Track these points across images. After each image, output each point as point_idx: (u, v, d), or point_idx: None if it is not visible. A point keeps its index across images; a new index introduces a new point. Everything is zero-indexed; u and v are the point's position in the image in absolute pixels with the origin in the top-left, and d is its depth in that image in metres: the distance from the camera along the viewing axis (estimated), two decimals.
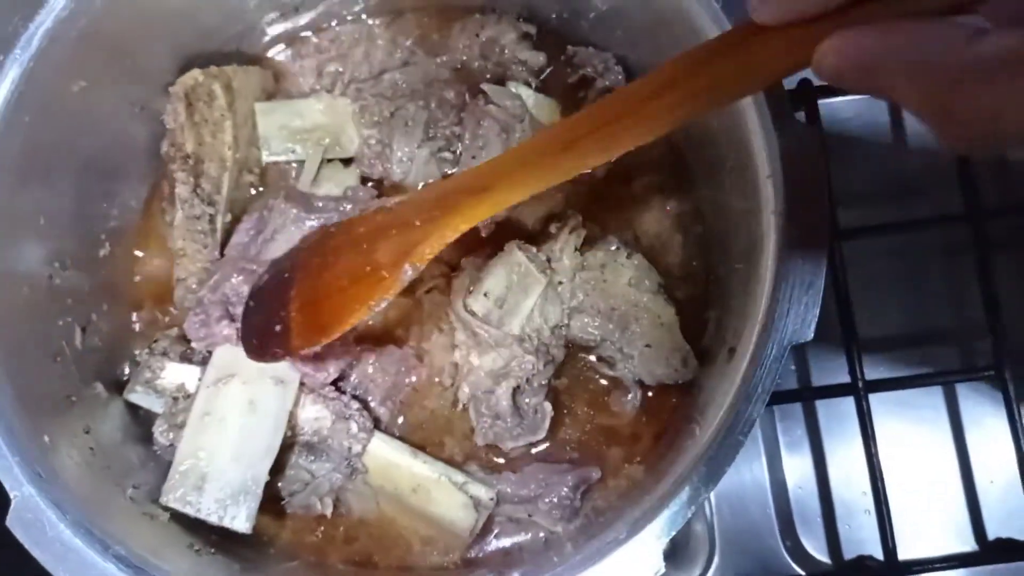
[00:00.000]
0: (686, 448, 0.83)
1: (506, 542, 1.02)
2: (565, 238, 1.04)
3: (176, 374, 1.01)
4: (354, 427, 0.98)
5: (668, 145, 1.10)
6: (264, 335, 0.92)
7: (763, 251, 0.83)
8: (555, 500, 0.99)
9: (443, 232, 0.80)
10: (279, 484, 0.99)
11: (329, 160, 1.12)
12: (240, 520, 0.93)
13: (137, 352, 1.06)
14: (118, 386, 1.03)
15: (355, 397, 1.02)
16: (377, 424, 1.02)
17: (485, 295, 1.00)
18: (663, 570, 0.77)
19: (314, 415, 0.99)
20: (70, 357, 0.96)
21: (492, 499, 0.99)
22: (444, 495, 0.99)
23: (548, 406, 1.01)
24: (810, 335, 0.79)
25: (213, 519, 0.92)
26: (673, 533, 0.77)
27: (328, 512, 1.00)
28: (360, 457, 0.99)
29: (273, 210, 1.04)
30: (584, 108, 0.73)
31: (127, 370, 1.06)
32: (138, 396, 1.02)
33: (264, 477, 0.94)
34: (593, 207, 1.08)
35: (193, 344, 1.00)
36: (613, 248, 1.05)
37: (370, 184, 1.10)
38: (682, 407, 0.99)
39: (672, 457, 0.85)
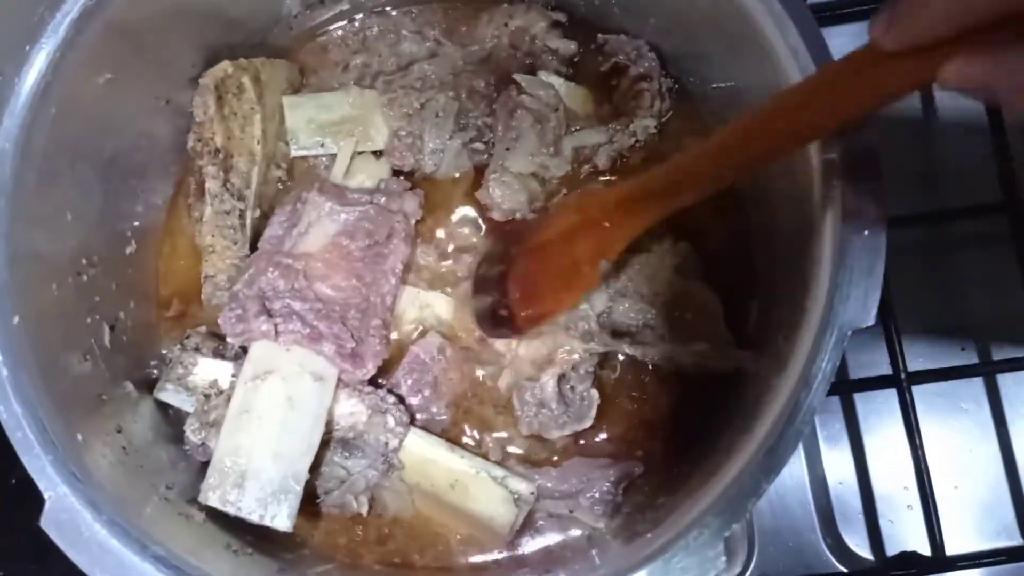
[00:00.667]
0: (741, 440, 0.80)
1: (548, 540, 1.00)
2: None
3: (209, 370, 0.99)
4: (391, 421, 0.97)
5: (704, 132, 1.08)
6: (494, 321, 1.01)
7: (816, 235, 0.81)
8: (596, 495, 0.97)
9: (628, 232, 0.91)
10: (315, 482, 0.97)
11: (360, 152, 1.09)
12: (281, 518, 0.91)
13: (166, 350, 1.04)
14: (148, 385, 1.01)
15: (391, 391, 1.00)
16: (413, 419, 1.00)
17: None
18: (725, 565, 0.75)
19: (349, 410, 0.97)
20: (99, 355, 0.94)
21: (533, 493, 0.97)
22: (483, 490, 0.97)
23: (595, 393, 1.00)
24: (871, 320, 0.76)
25: (254, 518, 0.90)
26: (735, 526, 0.75)
27: (364, 510, 0.98)
28: (396, 453, 0.97)
29: (307, 203, 1.02)
30: (739, 120, 0.79)
31: (156, 370, 1.04)
32: (168, 394, 1.00)
33: (304, 475, 0.92)
34: None
35: (229, 339, 0.98)
36: (658, 234, 1.03)
37: (401, 176, 1.09)
38: (727, 398, 0.96)
39: (724, 449, 0.83)
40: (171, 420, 1.02)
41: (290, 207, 1.04)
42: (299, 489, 0.92)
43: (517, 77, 1.06)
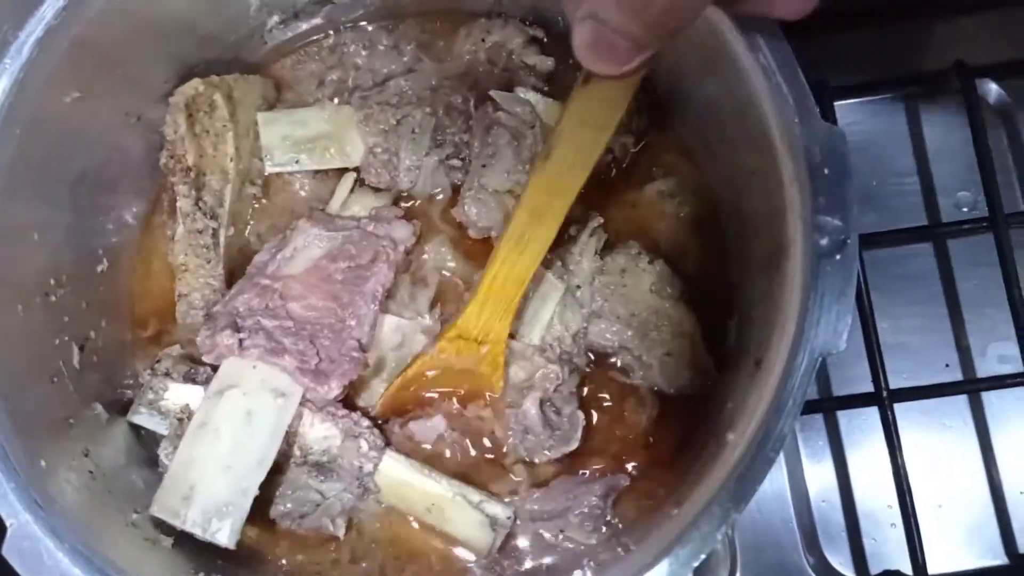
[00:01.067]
0: (712, 465, 0.79)
1: (539, 562, 0.98)
2: (585, 241, 1.01)
3: (180, 395, 0.98)
4: (364, 446, 0.95)
5: (681, 150, 1.07)
6: None
7: (789, 257, 0.80)
8: (585, 511, 0.96)
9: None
10: (288, 506, 0.95)
11: (338, 170, 1.09)
12: (223, 534, 0.89)
13: (139, 373, 1.03)
14: (120, 406, 1.00)
15: (366, 415, 0.99)
16: (389, 442, 0.98)
17: None
18: None
19: (323, 434, 0.96)
20: (68, 377, 0.93)
21: (510, 518, 0.96)
22: (459, 514, 0.96)
23: (580, 415, 0.98)
24: (842, 345, 0.75)
25: (197, 531, 0.89)
26: (702, 557, 0.74)
27: (340, 533, 0.97)
28: (371, 476, 0.96)
29: (297, 230, 1.02)
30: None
31: (130, 390, 1.03)
32: (142, 417, 0.99)
33: (254, 491, 0.90)
34: (611, 212, 1.06)
35: (204, 358, 0.97)
36: (634, 252, 1.02)
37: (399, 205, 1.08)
38: (703, 419, 0.95)
39: (697, 472, 0.82)
40: (143, 442, 1.00)
41: (281, 235, 1.03)
42: (245, 505, 0.90)
43: (493, 94, 1.05)
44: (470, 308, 0.95)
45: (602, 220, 1.03)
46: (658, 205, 1.07)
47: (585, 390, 1.02)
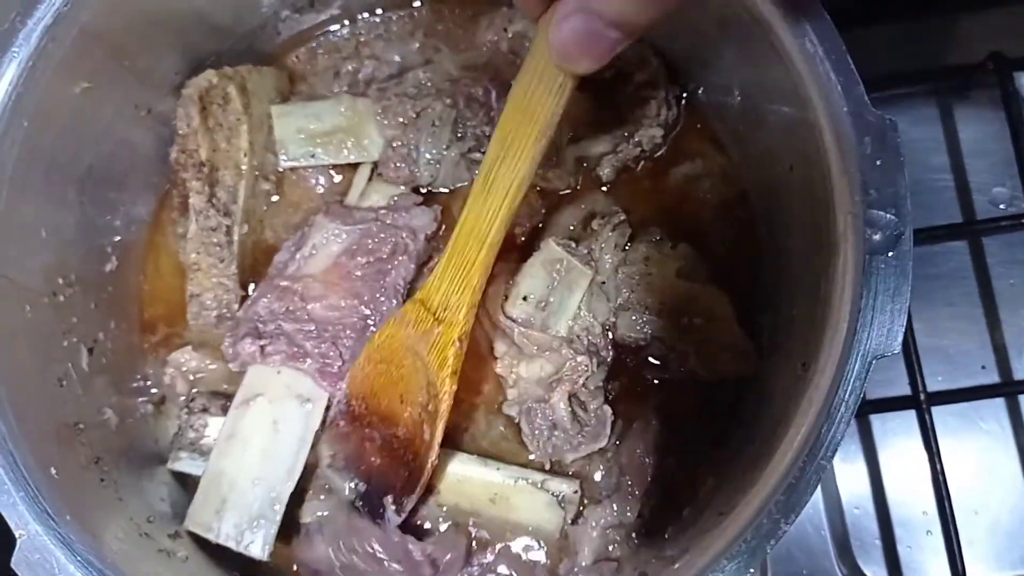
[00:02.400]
0: (759, 472, 0.75)
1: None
2: (607, 235, 0.98)
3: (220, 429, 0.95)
4: None
5: (711, 140, 1.04)
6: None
7: (837, 255, 0.76)
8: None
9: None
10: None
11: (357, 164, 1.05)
12: (256, 546, 0.89)
13: (149, 376, 1.01)
14: (129, 410, 0.97)
15: None
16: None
17: (524, 299, 0.94)
18: None
19: None
20: (76, 380, 0.89)
21: (576, 492, 0.94)
22: (525, 499, 0.94)
23: (608, 409, 0.95)
24: (897, 347, 0.72)
25: (231, 544, 0.88)
26: (752, 572, 0.70)
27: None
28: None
29: (313, 226, 0.99)
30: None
31: (141, 397, 0.99)
32: (183, 463, 0.96)
33: (284, 501, 0.89)
34: (636, 202, 1.03)
35: (229, 365, 0.96)
36: (656, 239, 0.98)
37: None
38: (747, 418, 0.92)
39: (742, 477, 0.77)
40: (155, 449, 0.97)
41: (300, 233, 1.00)
42: (277, 517, 0.89)
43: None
44: (436, 270, 0.88)
45: (624, 216, 1.00)
46: (683, 188, 1.04)
47: (619, 388, 0.98)
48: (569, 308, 0.96)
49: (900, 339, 0.72)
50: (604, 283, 0.97)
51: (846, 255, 0.75)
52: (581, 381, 0.93)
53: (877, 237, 0.73)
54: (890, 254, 0.73)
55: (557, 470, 0.96)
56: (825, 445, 0.71)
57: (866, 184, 0.74)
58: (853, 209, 0.74)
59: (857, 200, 0.74)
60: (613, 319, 0.97)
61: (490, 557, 0.94)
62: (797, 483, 0.71)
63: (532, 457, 0.96)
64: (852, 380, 0.72)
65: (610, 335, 0.97)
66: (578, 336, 0.95)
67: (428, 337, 0.88)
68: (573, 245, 0.97)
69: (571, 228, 1.01)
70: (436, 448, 0.89)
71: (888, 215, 0.73)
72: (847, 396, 0.71)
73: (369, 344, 0.93)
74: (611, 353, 0.97)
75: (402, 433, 0.91)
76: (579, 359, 0.93)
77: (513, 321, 0.94)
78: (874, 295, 0.72)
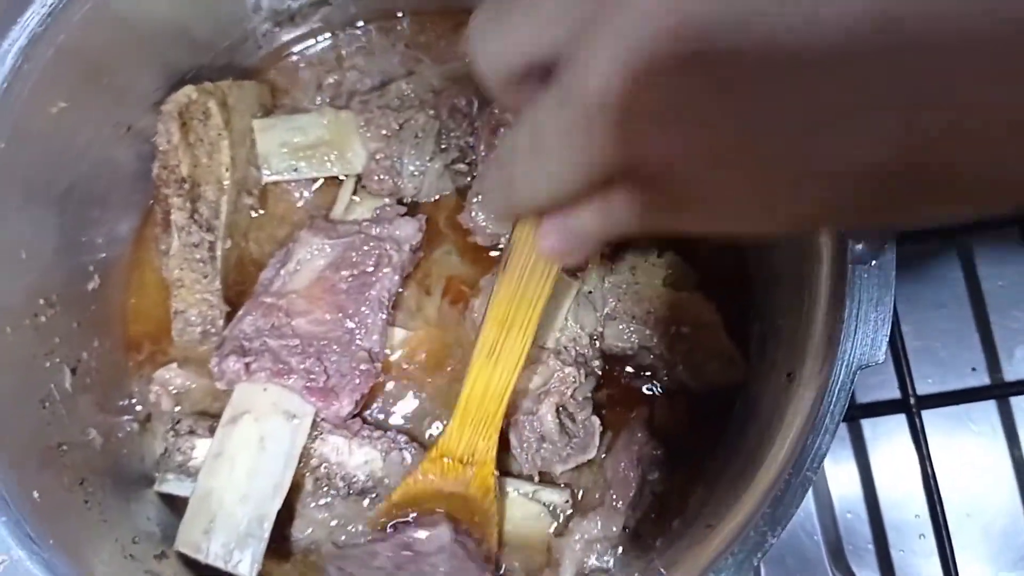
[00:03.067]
0: (746, 484, 0.75)
1: None
2: None
3: (208, 449, 0.95)
4: (407, 457, 0.93)
5: None
6: None
7: (819, 264, 0.76)
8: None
9: None
10: (341, 538, 0.94)
11: (355, 182, 1.05)
12: (244, 565, 0.88)
13: (135, 395, 1.00)
14: (113, 430, 0.96)
15: (402, 432, 0.97)
16: None
17: None
18: None
19: (363, 459, 0.94)
20: (59, 401, 0.88)
21: (567, 501, 0.94)
22: (516, 510, 0.94)
23: (596, 420, 0.94)
24: (881, 357, 0.72)
25: (219, 564, 0.88)
26: None
27: None
28: None
29: (298, 242, 0.99)
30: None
31: (125, 415, 0.98)
32: (170, 485, 0.95)
33: (272, 518, 0.89)
34: None
35: (216, 384, 0.95)
36: (643, 248, 0.98)
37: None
38: (734, 429, 0.92)
39: (729, 489, 0.77)
40: (141, 468, 0.97)
41: (285, 249, 1.00)
42: (264, 534, 0.89)
43: None
44: (450, 426, 0.91)
45: None
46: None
47: (606, 398, 0.98)
48: (556, 320, 0.95)
49: (884, 349, 0.72)
50: (591, 293, 0.97)
51: (829, 265, 0.75)
52: (569, 392, 0.93)
53: (859, 247, 0.73)
54: (873, 263, 0.72)
55: (546, 481, 0.96)
56: (811, 456, 0.71)
57: None
58: None
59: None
60: (600, 329, 0.97)
61: None
62: (783, 495, 0.70)
63: (523, 469, 0.95)
64: (837, 391, 0.71)
65: (598, 345, 0.97)
66: (565, 347, 0.95)
67: (464, 479, 0.92)
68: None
69: None
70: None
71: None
72: (832, 407, 0.71)
73: (388, 500, 0.94)
74: (599, 364, 0.97)
75: None
76: (567, 370, 0.93)
77: None
78: (857, 305, 0.72)
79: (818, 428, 0.71)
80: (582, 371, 0.94)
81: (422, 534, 0.91)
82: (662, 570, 0.78)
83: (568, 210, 0.56)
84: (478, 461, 0.91)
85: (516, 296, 0.85)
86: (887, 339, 0.72)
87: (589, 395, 0.96)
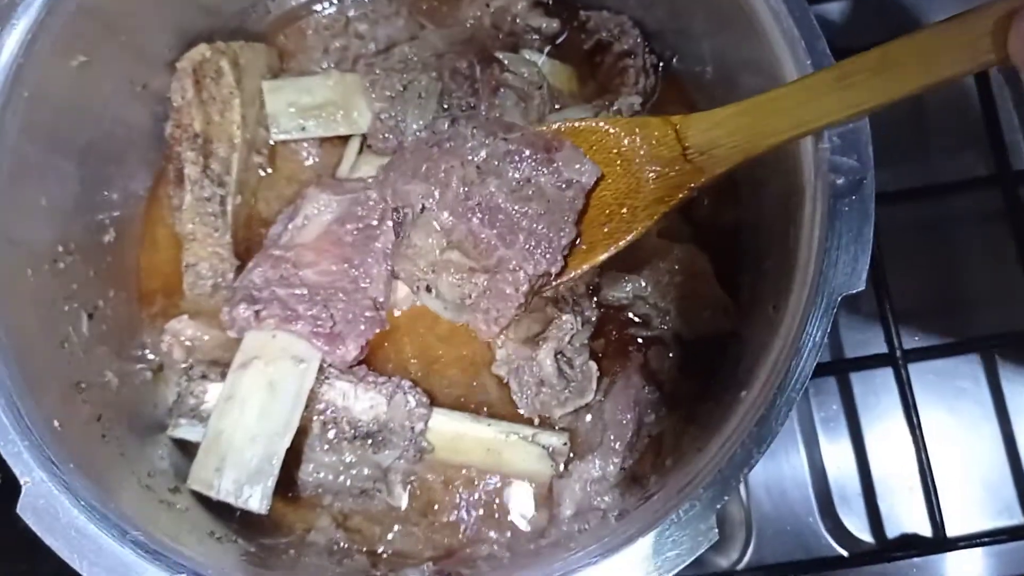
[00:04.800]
0: (733, 409, 0.78)
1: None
2: None
3: (219, 393, 0.98)
4: (411, 401, 0.96)
5: (687, 105, 1.06)
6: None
7: (803, 199, 0.80)
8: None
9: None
10: (347, 483, 0.97)
11: (360, 141, 1.08)
12: (255, 500, 0.91)
13: (148, 346, 1.04)
14: (129, 375, 1.00)
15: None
16: (434, 400, 0.99)
17: None
18: (717, 538, 0.73)
19: (368, 403, 0.97)
20: (77, 343, 0.92)
21: (566, 444, 0.97)
22: (517, 452, 0.97)
23: (593, 365, 0.98)
24: (861, 285, 0.75)
25: (230, 500, 0.90)
26: (726, 499, 0.73)
27: (402, 504, 0.98)
28: (423, 435, 0.97)
29: (306, 198, 1.02)
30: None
31: (139, 364, 1.02)
32: (183, 430, 0.99)
33: (281, 456, 0.92)
34: None
35: (227, 332, 0.98)
36: None
37: None
38: (723, 369, 0.95)
39: (718, 418, 0.81)
40: (154, 415, 1.00)
41: (293, 206, 1.03)
42: (274, 471, 0.91)
43: (499, 55, 1.05)
44: (714, 111, 0.81)
45: None
46: None
47: (604, 346, 1.01)
48: None
49: (864, 277, 0.75)
50: None
51: (813, 200, 0.78)
52: (567, 339, 0.96)
53: (840, 182, 0.76)
54: (853, 197, 0.76)
55: (546, 425, 0.99)
56: (795, 378, 0.74)
57: (830, 133, 0.77)
58: (818, 156, 0.78)
59: (822, 147, 0.77)
60: (597, 279, 1.00)
61: (478, 495, 0.99)
62: (768, 414, 0.73)
63: (521, 413, 0.99)
64: (820, 316, 0.75)
65: (593, 294, 1.00)
66: (563, 296, 0.98)
67: (660, 165, 0.83)
68: None
69: None
70: (591, 265, 0.86)
71: (851, 160, 0.76)
72: (815, 331, 0.74)
73: (568, 125, 0.87)
74: (595, 311, 1.00)
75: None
76: (564, 318, 0.96)
77: None
78: (839, 236, 0.76)
79: (801, 350, 0.74)
80: (579, 319, 0.97)
81: (572, 153, 0.83)
82: (655, 493, 0.81)
83: None
84: (701, 163, 0.81)
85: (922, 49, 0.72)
86: (867, 268, 0.75)
87: (586, 342, 0.99)
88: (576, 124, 0.87)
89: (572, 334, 0.96)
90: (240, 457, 0.92)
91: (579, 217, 0.84)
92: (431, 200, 0.86)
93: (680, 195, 0.82)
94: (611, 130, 0.85)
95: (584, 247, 0.86)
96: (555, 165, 0.82)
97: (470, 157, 0.85)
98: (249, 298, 0.97)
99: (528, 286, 0.83)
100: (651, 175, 0.83)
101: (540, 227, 0.82)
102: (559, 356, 0.97)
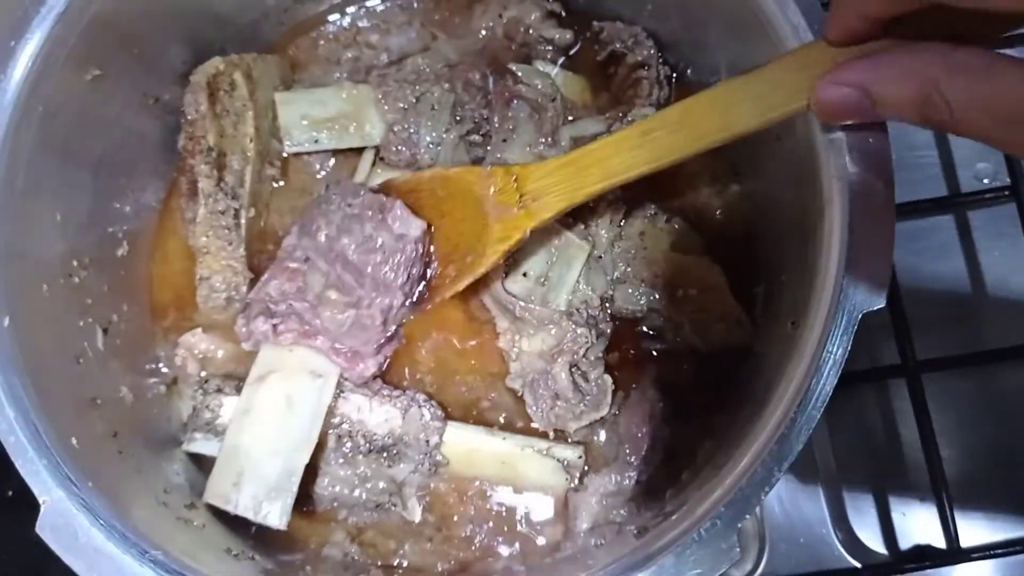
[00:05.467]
0: (753, 427, 0.78)
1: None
2: (602, 211, 1.00)
3: (235, 406, 0.97)
4: (426, 415, 0.96)
5: None
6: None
7: (824, 218, 0.79)
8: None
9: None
10: (362, 497, 0.97)
11: (374, 153, 1.08)
12: (274, 516, 0.90)
13: (161, 359, 1.04)
14: (144, 389, 1.00)
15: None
16: (448, 415, 0.99)
17: (524, 275, 0.98)
18: (739, 557, 0.72)
19: (383, 417, 0.97)
20: (92, 358, 0.92)
21: (580, 457, 0.97)
22: (532, 465, 0.97)
23: (608, 379, 0.98)
24: (882, 302, 0.74)
25: (248, 515, 0.90)
26: (747, 517, 0.73)
27: (417, 518, 0.98)
28: (439, 449, 0.97)
29: (318, 202, 1.01)
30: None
31: (153, 378, 1.02)
32: (198, 444, 0.98)
33: (300, 472, 0.91)
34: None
35: (242, 344, 0.98)
36: (651, 214, 1.01)
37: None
38: (741, 383, 0.94)
39: (736, 435, 0.80)
40: (168, 429, 1.00)
41: (308, 213, 1.02)
42: (293, 487, 0.91)
43: (513, 67, 1.05)
44: (546, 162, 0.90)
45: (618, 191, 1.01)
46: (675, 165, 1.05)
47: (619, 358, 1.01)
48: (568, 282, 0.99)
49: (885, 294, 0.75)
50: (601, 257, 1.00)
51: (832, 217, 0.78)
52: (582, 352, 0.96)
53: (861, 198, 0.76)
54: (874, 214, 0.76)
55: (561, 439, 0.99)
56: (815, 396, 0.74)
57: (851, 147, 0.77)
58: (838, 172, 0.78)
59: (842, 163, 0.77)
60: (611, 292, 1.00)
61: (492, 508, 0.99)
62: (789, 433, 0.73)
63: (536, 427, 0.99)
64: (840, 334, 0.74)
65: (608, 308, 1.00)
66: (577, 309, 0.98)
67: (501, 210, 0.91)
68: (570, 220, 0.99)
69: None
70: (451, 292, 0.95)
71: (872, 177, 0.76)
72: (835, 349, 0.74)
73: (437, 171, 0.98)
74: (610, 325, 1.00)
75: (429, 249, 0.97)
76: (579, 331, 0.96)
77: (514, 297, 0.97)
78: (859, 252, 0.75)
79: (822, 369, 0.74)
80: (593, 332, 0.97)
81: (402, 212, 0.94)
82: (673, 512, 0.81)
83: None
84: (533, 208, 0.90)
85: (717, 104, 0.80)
86: (888, 284, 0.74)
87: (601, 355, 0.99)
88: (446, 171, 0.98)
89: (587, 347, 0.96)
90: (259, 472, 0.91)
91: (421, 259, 0.96)
92: (311, 251, 0.97)
93: (516, 236, 0.91)
94: (469, 178, 0.94)
95: (453, 274, 0.95)
96: (388, 223, 0.94)
97: (331, 218, 0.97)
98: (266, 311, 0.97)
99: (382, 317, 0.95)
100: (495, 218, 0.92)
101: (383, 271, 0.94)
102: (574, 369, 0.97)
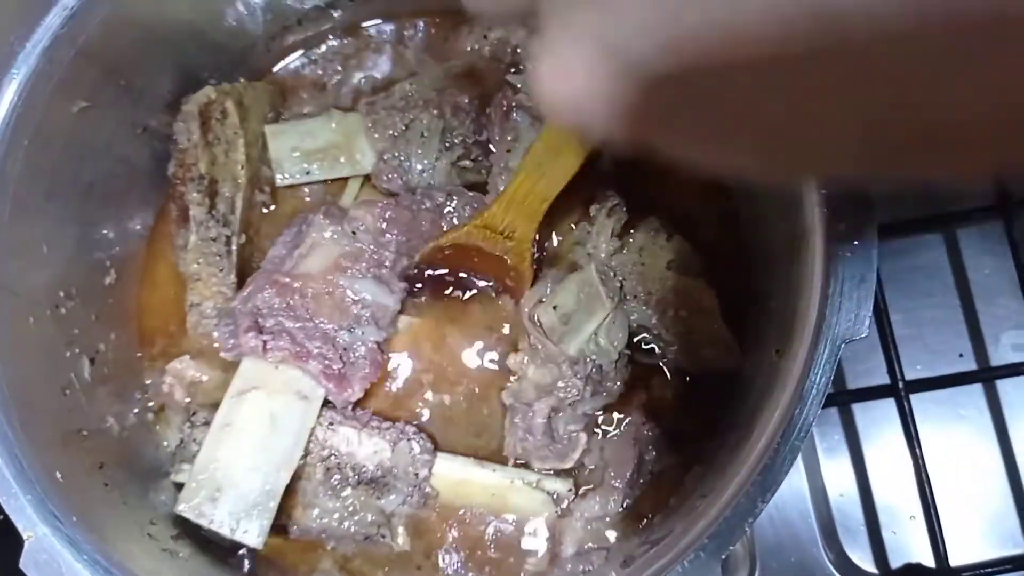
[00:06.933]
0: (737, 456, 0.78)
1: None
2: (603, 221, 1.00)
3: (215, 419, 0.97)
4: (416, 447, 0.96)
5: None
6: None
7: (807, 244, 0.79)
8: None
9: None
10: (351, 529, 0.96)
11: (361, 181, 1.09)
12: (252, 535, 0.90)
13: (148, 388, 1.03)
14: (130, 419, 0.99)
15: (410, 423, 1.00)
16: (437, 446, 0.99)
17: (555, 308, 0.97)
18: None
19: (372, 449, 0.96)
20: (79, 389, 0.92)
21: (570, 490, 0.98)
22: (521, 496, 0.98)
23: (583, 437, 0.97)
24: (864, 332, 0.75)
25: (225, 531, 0.89)
26: (730, 549, 0.73)
27: (407, 547, 0.98)
28: (428, 481, 0.97)
29: (311, 225, 1.01)
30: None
31: (137, 408, 1.02)
32: (187, 475, 0.97)
33: (279, 493, 0.91)
34: (635, 191, 1.05)
35: (222, 353, 0.98)
36: (653, 230, 1.01)
37: None
38: (727, 409, 0.95)
39: (721, 463, 0.81)
40: (156, 457, 1.00)
41: (296, 229, 1.03)
42: (273, 506, 0.91)
43: (510, 79, 1.05)
44: (494, 207, 0.98)
45: (619, 201, 1.02)
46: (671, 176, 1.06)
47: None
48: (584, 332, 0.97)
49: (867, 324, 0.75)
50: (625, 305, 1.00)
51: (815, 245, 0.78)
52: (567, 402, 0.96)
53: (843, 227, 0.76)
54: (856, 242, 0.76)
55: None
56: (798, 427, 0.74)
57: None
58: (820, 201, 0.78)
59: (823, 193, 0.78)
60: (628, 352, 1.00)
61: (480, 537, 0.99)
62: (773, 463, 0.74)
63: (506, 452, 0.99)
64: (823, 364, 0.75)
65: (626, 371, 1.00)
66: (585, 360, 0.97)
67: (504, 247, 0.99)
68: (612, 275, 1.00)
69: (576, 210, 1.05)
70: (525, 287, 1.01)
71: (853, 206, 0.77)
72: (818, 379, 0.75)
73: (448, 237, 1.01)
74: (617, 389, 0.99)
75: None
76: (574, 382, 0.95)
77: (537, 325, 0.97)
78: (841, 282, 0.76)
79: (805, 399, 0.74)
80: (588, 388, 0.96)
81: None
82: (658, 541, 0.81)
83: None
84: (518, 237, 0.98)
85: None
86: (870, 314, 0.75)
87: (588, 413, 0.98)
88: (455, 237, 1.01)
89: (575, 400, 0.96)
90: (238, 489, 0.91)
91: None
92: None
93: (526, 256, 1.00)
94: (473, 234, 1.00)
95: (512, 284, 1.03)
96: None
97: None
98: (255, 326, 0.96)
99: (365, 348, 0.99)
100: (501, 252, 0.99)
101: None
102: (554, 414, 0.97)
